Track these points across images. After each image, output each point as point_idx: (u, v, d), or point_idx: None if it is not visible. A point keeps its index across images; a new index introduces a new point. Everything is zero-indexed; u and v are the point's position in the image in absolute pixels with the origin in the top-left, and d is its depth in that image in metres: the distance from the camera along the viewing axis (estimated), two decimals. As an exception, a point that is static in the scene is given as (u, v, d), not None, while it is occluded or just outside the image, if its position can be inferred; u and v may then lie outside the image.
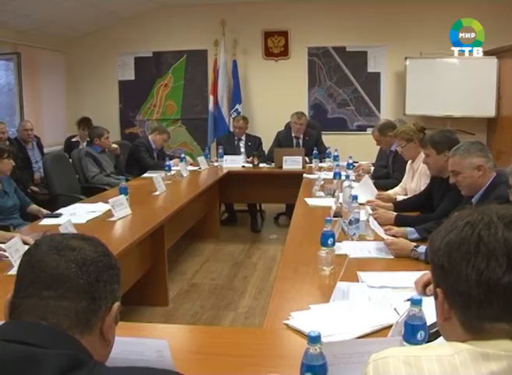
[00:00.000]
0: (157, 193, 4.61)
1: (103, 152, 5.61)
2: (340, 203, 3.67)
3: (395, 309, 1.87)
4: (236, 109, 7.56)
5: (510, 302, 0.91)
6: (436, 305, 1.03)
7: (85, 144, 6.71)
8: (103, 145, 5.60)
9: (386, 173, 4.90)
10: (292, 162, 5.89)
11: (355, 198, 3.26)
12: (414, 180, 4.04)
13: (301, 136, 6.48)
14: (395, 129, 4.80)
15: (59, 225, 2.88)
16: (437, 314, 1.04)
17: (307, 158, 6.03)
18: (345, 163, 5.26)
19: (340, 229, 2.90)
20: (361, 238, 2.88)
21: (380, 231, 2.80)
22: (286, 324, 1.83)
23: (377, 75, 7.59)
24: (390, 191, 4.24)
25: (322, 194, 4.24)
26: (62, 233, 1.10)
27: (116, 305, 1.08)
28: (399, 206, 3.64)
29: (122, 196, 3.84)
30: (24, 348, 0.91)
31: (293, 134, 6.48)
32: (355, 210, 2.99)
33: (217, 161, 6.38)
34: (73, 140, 6.95)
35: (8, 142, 5.58)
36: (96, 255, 1.06)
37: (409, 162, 4.14)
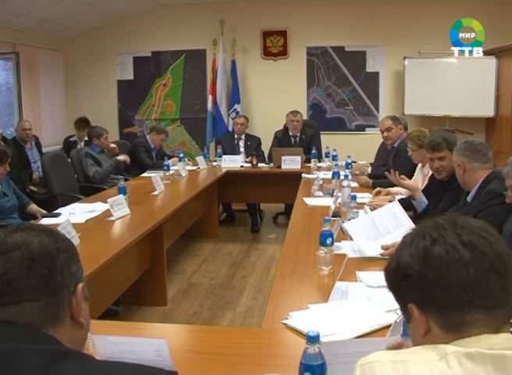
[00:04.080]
0: (156, 193, 4.61)
1: (102, 152, 5.60)
2: (339, 203, 3.67)
3: (393, 309, 1.87)
4: (235, 109, 7.57)
5: (481, 289, 0.95)
6: (412, 324, 1.04)
7: (83, 143, 6.72)
8: (102, 145, 5.59)
9: (385, 171, 4.88)
10: (290, 162, 5.89)
11: (354, 197, 3.27)
12: (425, 185, 4.00)
13: (298, 134, 6.49)
14: (402, 124, 4.89)
15: (58, 225, 2.88)
16: (415, 334, 1.04)
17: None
18: (344, 163, 5.26)
19: (339, 229, 2.91)
20: (360, 238, 2.88)
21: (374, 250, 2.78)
22: (285, 324, 1.83)
23: (376, 75, 7.60)
24: (394, 189, 4.24)
25: (321, 193, 4.24)
26: (3, 229, 1.05)
27: (80, 285, 1.04)
28: None
29: (121, 196, 3.84)
30: (2, 345, 0.89)
31: (290, 133, 6.49)
32: (354, 210, 2.99)
33: (215, 160, 6.38)
34: (71, 139, 6.95)
35: (2, 143, 5.57)
36: (42, 246, 1.01)
37: (419, 166, 4.12)
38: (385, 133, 4.93)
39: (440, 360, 0.92)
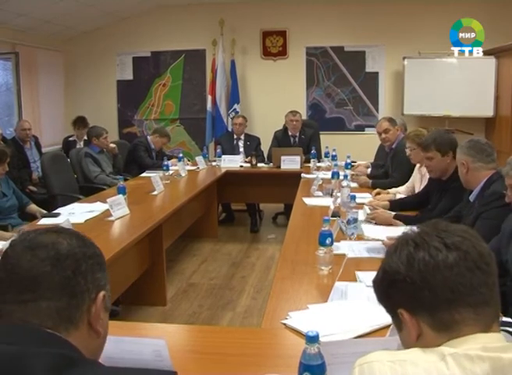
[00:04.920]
0: (155, 192, 4.61)
1: (101, 152, 5.60)
2: (338, 203, 3.67)
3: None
4: (235, 109, 7.56)
5: (467, 287, 0.98)
6: (403, 331, 1.05)
7: (82, 143, 6.72)
8: (101, 145, 5.57)
9: (384, 172, 4.90)
10: (290, 162, 5.89)
11: (353, 197, 3.27)
12: (422, 185, 4.01)
13: (297, 134, 6.48)
14: (401, 124, 4.92)
15: (57, 225, 2.87)
16: (407, 340, 1.05)
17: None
18: (343, 163, 5.26)
19: (338, 229, 2.91)
20: (359, 238, 2.88)
21: (376, 234, 2.82)
22: (284, 324, 1.83)
23: (375, 75, 7.60)
24: (392, 190, 4.25)
25: (320, 193, 4.24)
26: (36, 229, 1.07)
27: (102, 294, 1.05)
28: (395, 205, 3.66)
29: (121, 196, 3.84)
30: (12, 349, 0.89)
31: (289, 133, 6.48)
32: (353, 210, 2.99)
33: (215, 160, 6.38)
34: (70, 139, 6.95)
35: (2, 143, 5.57)
36: (70, 247, 1.02)
37: (417, 166, 4.12)
38: (383, 135, 4.92)
39: (439, 361, 0.93)
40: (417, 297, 1.00)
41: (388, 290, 1.06)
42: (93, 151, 5.49)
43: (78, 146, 6.55)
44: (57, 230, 1.07)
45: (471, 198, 2.87)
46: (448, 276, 0.98)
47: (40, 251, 1.00)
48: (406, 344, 1.06)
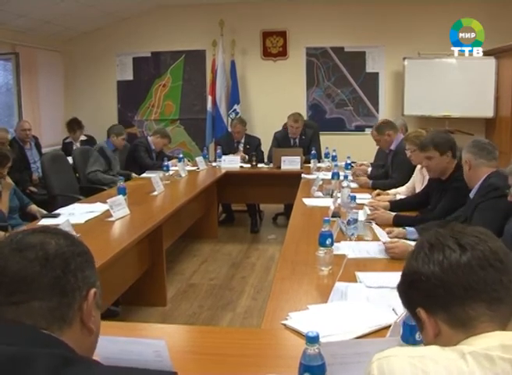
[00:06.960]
0: (155, 193, 4.61)
1: (115, 151, 5.73)
2: (339, 203, 3.67)
3: (393, 310, 1.87)
4: (235, 110, 7.56)
5: (480, 284, 1.00)
6: (422, 328, 1.07)
7: (78, 144, 6.74)
8: (117, 144, 5.76)
9: (384, 173, 4.90)
10: (290, 163, 5.88)
11: (353, 198, 3.27)
12: (424, 186, 4.00)
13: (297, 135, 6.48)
14: (393, 127, 4.84)
15: (58, 225, 2.87)
16: (426, 336, 1.07)
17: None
18: (343, 163, 5.26)
19: (338, 229, 2.91)
20: (360, 238, 2.89)
21: (382, 235, 2.82)
22: (285, 324, 1.83)
23: (375, 75, 7.60)
24: (392, 191, 4.25)
25: (321, 194, 4.24)
26: (23, 230, 1.07)
27: (92, 291, 1.05)
28: (395, 205, 3.66)
29: (121, 196, 3.84)
30: (13, 349, 0.89)
31: (289, 135, 6.48)
32: (353, 210, 2.99)
33: (215, 161, 6.38)
34: (67, 141, 6.96)
35: (8, 147, 5.57)
36: (58, 247, 1.02)
37: (418, 167, 4.11)
38: (377, 143, 5.01)
39: (459, 359, 0.94)
40: (433, 295, 1.02)
41: (407, 291, 1.10)
42: (108, 148, 5.61)
43: (75, 147, 6.56)
44: (44, 229, 1.07)
45: (471, 195, 2.89)
46: (461, 274, 1.00)
47: (28, 252, 1.00)
48: (427, 344, 1.08)
